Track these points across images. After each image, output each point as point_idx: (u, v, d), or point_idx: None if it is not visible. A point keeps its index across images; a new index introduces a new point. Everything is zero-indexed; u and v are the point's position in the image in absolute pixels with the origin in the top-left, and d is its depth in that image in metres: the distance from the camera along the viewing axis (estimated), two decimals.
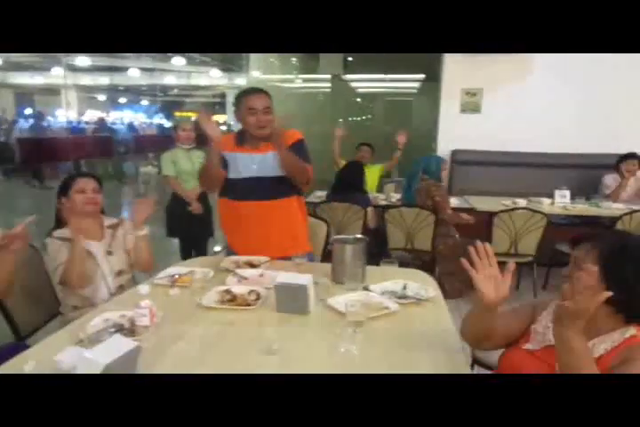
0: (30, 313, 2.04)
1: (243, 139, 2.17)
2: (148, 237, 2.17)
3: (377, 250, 3.58)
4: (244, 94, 2.11)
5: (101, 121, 10.18)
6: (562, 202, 4.09)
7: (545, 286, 3.94)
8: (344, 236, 2.06)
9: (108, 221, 2.19)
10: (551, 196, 4.15)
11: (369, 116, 9.48)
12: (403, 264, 2.11)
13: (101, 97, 19.64)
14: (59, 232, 2.03)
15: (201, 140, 4.35)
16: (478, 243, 1.24)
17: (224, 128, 16.79)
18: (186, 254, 3.84)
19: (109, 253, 2.12)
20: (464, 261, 1.22)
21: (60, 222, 2.08)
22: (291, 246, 2.18)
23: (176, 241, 3.87)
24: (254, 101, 2.07)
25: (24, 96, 17.26)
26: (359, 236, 2.01)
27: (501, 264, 1.23)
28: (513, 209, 3.51)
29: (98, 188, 2.13)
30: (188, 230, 3.71)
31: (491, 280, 1.20)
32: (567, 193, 4.12)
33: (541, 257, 3.60)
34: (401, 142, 4.38)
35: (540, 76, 4.91)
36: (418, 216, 3.46)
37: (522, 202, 4.05)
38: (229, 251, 2.33)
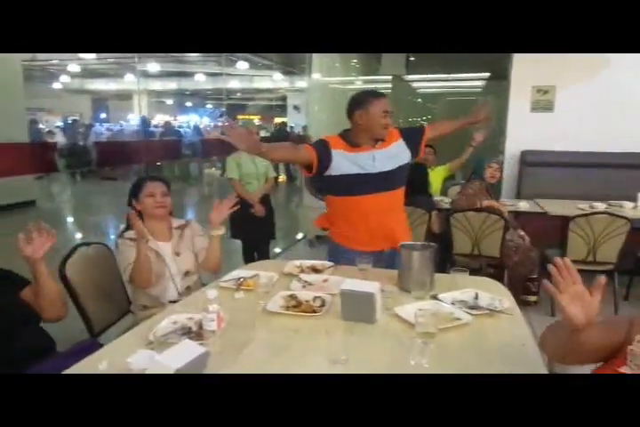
0: (103, 311, 2.11)
1: (354, 141, 2.19)
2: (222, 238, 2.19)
3: (441, 256, 3.47)
4: (374, 96, 2.14)
5: (168, 125, 10.58)
6: None
7: (627, 296, 3.67)
8: (411, 242, 1.99)
9: (176, 222, 2.24)
10: (633, 199, 3.85)
11: (429, 116, 9.29)
12: (472, 271, 2.01)
13: (169, 101, 20.44)
14: (129, 233, 2.09)
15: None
16: (557, 259, 1.12)
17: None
18: (248, 256, 3.90)
19: (177, 253, 2.16)
20: (545, 283, 1.10)
21: (130, 224, 2.13)
22: (404, 235, 2.26)
23: (239, 242, 3.93)
24: (387, 105, 2.14)
25: (99, 101, 18.27)
26: (426, 243, 1.93)
27: (579, 272, 1.11)
28: (592, 213, 3.29)
29: (167, 191, 2.18)
30: (251, 232, 3.75)
31: (577, 300, 1.08)
32: None
33: (623, 265, 3.34)
34: (477, 140, 4.16)
35: (616, 72, 4.59)
36: (486, 220, 3.32)
37: (600, 206, 3.79)
38: (335, 247, 2.29)
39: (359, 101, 2.15)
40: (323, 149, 2.15)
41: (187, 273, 2.17)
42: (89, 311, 2.01)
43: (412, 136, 2.27)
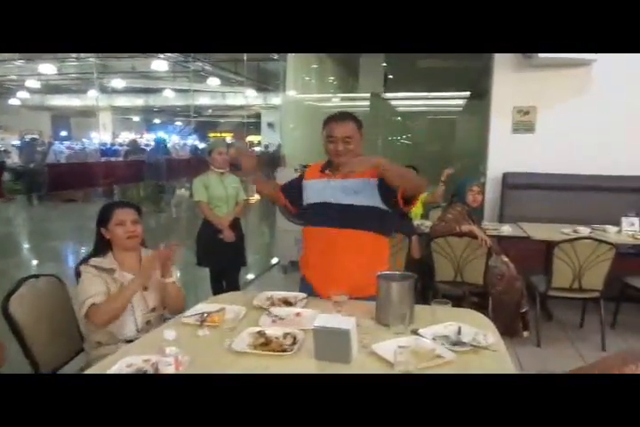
0: (52, 351, 2.01)
1: (326, 167, 2.21)
2: (178, 282, 2.15)
3: (423, 283, 3.45)
4: (327, 120, 2.13)
5: (134, 143, 10.49)
6: (630, 230, 3.85)
7: (614, 324, 3.69)
8: (389, 272, 1.96)
9: (146, 253, 2.19)
10: (617, 223, 3.92)
11: (409, 135, 9.43)
12: (455, 300, 1.98)
13: (136, 118, 20.36)
14: (96, 260, 2.03)
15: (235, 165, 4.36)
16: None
17: (258, 149, 17.03)
18: (216, 284, 3.81)
19: (145, 288, 2.10)
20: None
21: (98, 251, 2.09)
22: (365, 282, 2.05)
23: (206, 270, 3.85)
24: (334, 130, 2.10)
25: (60, 118, 18.06)
26: (406, 272, 1.90)
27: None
28: (577, 238, 3.32)
29: (137, 218, 2.12)
30: (219, 260, 3.67)
31: None
32: (636, 220, 3.89)
33: (609, 291, 3.37)
34: (447, 174, 4.21)
35: (598, 91, 4.73)
36: (469, 246, 3.32)
37: (584, 230, 3.84)
38: (305, 285, 2.24)
39: (323, 124, 2.16)
40: (290, 186, 2.28)
41: (152, 309, 2.11)
42: (36, 352, 1.91)
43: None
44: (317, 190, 2.16)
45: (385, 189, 2.06)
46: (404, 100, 9.38)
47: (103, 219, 2.09)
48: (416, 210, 4.49)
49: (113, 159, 9.75)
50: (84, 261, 2.04)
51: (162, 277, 2.08)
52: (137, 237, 2.10)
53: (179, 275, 2.17)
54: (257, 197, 10.62)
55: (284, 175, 5.19)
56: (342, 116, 2.13)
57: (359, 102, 8.42)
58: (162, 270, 2.08)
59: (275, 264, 5.77)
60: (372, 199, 2.09)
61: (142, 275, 2.00)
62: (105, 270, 2.02)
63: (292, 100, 6.96)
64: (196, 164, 4.40)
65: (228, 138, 19.14)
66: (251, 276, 5.28)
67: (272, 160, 8.21)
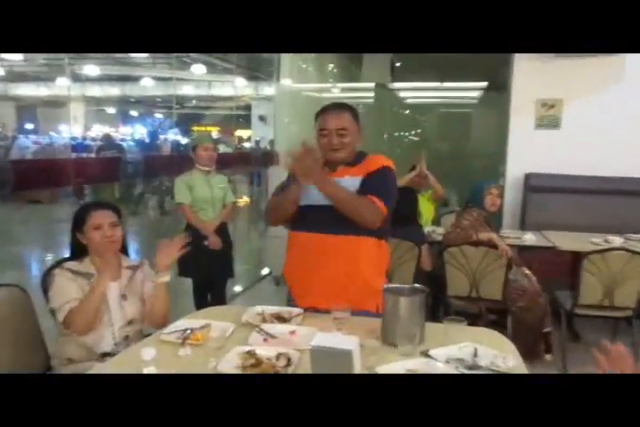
0: (14, 367, 2.00)
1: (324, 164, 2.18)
2: (169, 285, 2.15)
3: (434, 298, 3.44)
4: (319, 112, 2.16)
5: (108, 137, 10.49)
6: None
7: None
8: (397, 285, 1.95)
9: (127, 261, 2.22)
10: None
11: (419, 130, 9.44)
12: (471, 318, 1.98)
13: (110, 110, 20.39)
14: (71, 264, 2.07)
15: (224, 161, 4.35)
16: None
17: (248, 144, 17.03)
18: (199, 298, 3.81)
19: (124, 297, 2.13)
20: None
21: (74, 255, 2.13)
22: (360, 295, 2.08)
23: (188, 282, 3.84)
24: (327, 121, 2.11)
25: (26, 109, 18.06)
26: (417, 285, 1.89)
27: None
28: (607, 250, 3.32)
29: (117, 221, 2.14)
30: (204, 269, 3.67)
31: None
32: None
33: None
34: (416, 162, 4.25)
35: (633, 82, 4.74)
36: (486, 257, 3.32)
37: (616, 240, 3.85)
38: (289, 299, 2.26)
39: (315, 116, 2.18)
40: (288, 182, 2.20)
41: (130, 322, 2.14)
42: None
43: (367, 185, 2.12)
44: (309, 191, 2.11)
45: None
46: (413, 91, 9.38)
47: (78, 222, 2.12)
48: (427, 215, 4.49)
49: (85, 155, 9.74)
50: (58, 264, 2.09)
51: (157, 273, 2.11)
52: (116, 241, 2.12)
53: (169, 279, 2.16)
54: (246, 199, 10.64)
55: (277, 174, 5.20)
56: (336, 107, 2.14)
57: (363, 93, 8.42)
58: (161, 263, 2.10)
59: (266, 275, 5.76)
60: None
61: (106, 267, 2.04)
62: (82, 275, 2.05)
63: (286, 91, 6.96)
64: (179, 161, 4.39)
65: (215, 132, 19.17)
66: (238, 288, 5.27)
67: (264, 158, 8.21)
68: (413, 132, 9.56)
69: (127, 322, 2.12)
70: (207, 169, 3.72)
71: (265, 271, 5.88)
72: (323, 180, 1.99)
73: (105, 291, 2.04)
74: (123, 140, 14.21)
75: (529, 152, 4.95)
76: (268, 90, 13.40)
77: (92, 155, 10.23)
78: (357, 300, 2.05)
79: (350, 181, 2.10)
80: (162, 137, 15.55)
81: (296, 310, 2.11)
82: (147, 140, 14.67)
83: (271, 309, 2.13)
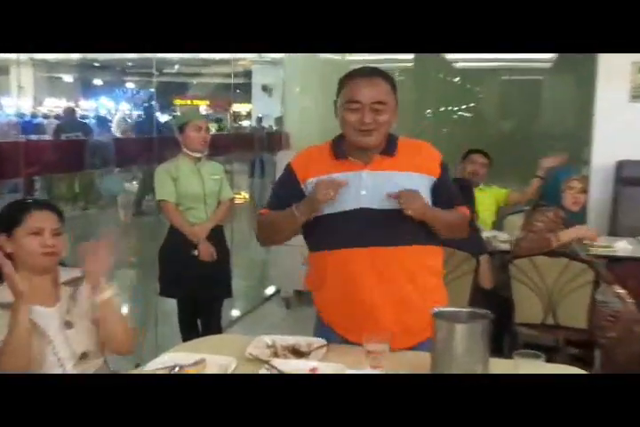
0: None
1: (340, 150, 2.15)
2: (117, 300, 2.12)
3: (497, 326, 3.43)
4: (345, 79, 2.12)
5: (71, 113, 10.51)
6: None
7: None
8: (450, 308, 1.95)
9: (65, 274, 2.17)
10: None
11: (472, 104, 9.39)
12: (546, 352, 1.97)
13: (68, 78, 20.50)
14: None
15: (217, 145, 4.36)
16: None
17: (247, 123, 17.06)
18: (188, 325, 3.84)
19: (68, 324, 2.09)
20: None
21: None
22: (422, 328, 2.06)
23: (172, 303, 3.87)
24: (358, 91, 2.06)
25: None
26: (477, 309, 1.89)
27: None
28: None
29: (60, 227, 2.11)
30: (193, 287, 3.69)
31: None
32: None
33: None
34: (544, 167, 4.26)
35: None
36: (566, 271, 3.31)
37: None
38: (323, 329, 2.25)
39: (338, 85, 2.15)
40: (284, 199, 2.17)
41: (84, 356, 2.09)
42: None
43: (444, 188, 2.20)
44: (347, 190, 2.08)
45: (437, 201, 2.15)
46: (467, 54, 9.33)
47: (8, 223, 2.07)
48: (486, 217, 4.48)
49: (37, 138, 9.74)
50: None
51: (94, 291, 2.05)
52: (56, 254, 2.09)
53: (116, 291, 2.13)
54: (245, 194, 10.67)
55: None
56: (368, 72, 2.11)
57: (399, 56, 8.39)
58: (90, 281, 2.06)
59: (272, 295, 5.80)
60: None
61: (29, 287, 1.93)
62: (8, 307, 1.94)
63: (298, 54, 6.97)
64: (160, 145, 4.39)
65: (204, 107, 19.22)
66: (236, 312, 5.30)
67: (269, 140, 8.23)
68: (465, 107, 9.50)
69: (80, 357, 2.08)
70: (198, 155, 3.74)
71: (271, 290, 5.91)
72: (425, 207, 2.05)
73: (34, 321, 1.96)
74: (84, 117, 14.30)
75: (621, 133, 4.90)
76: None
77: (46, 136, 10.28)
78: (413, 330, 2.08)
79: (399, 177, 2.09)
80: (134, 113, 15.62)
81: (317, 341, 2.11)
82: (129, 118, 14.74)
83: (284, 339, 2.13)
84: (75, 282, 2.17)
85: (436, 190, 2.14)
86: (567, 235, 3.39)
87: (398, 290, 2.11)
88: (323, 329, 2.24)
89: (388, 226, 2.07)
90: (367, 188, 2.09)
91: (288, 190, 2.18)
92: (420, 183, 2.10)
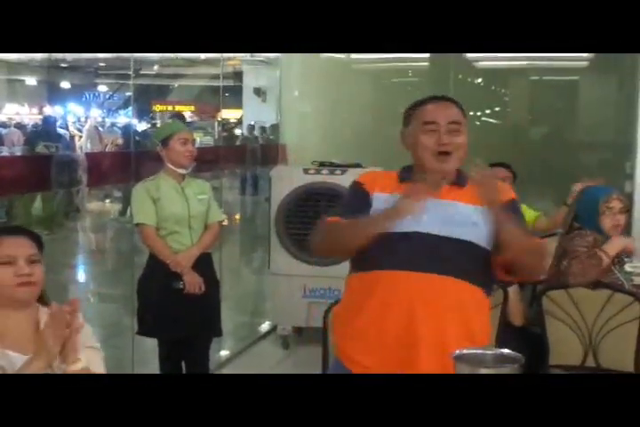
0: None
1: (407, 176, 2.32)
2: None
3: (529, 368, 3.43)
4: (420, 103, 2.33)
5: (51, 123, 10.51)
6: None
7: None
8: (474, 349, 1.96)
9: (47, 313, 2.16)
10: None
11: (498, 109, 9.40)
12: None
13: (31, 80, 20.58)
14: None
15: (203, 159, 4.39)
16: None
17: (239, 132, 17.03)
18: (170, 368, 3.84)
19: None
20: None
21: None
22: None
23: (152, 343, 3.86)
24: (434, 112, 2.25)
25: None
26: (505, 351, 1.90)
27: None
28: None
29: (37, 253, 2.12)
30: (176, 325, 3.69)
31: None
32: None
33: None
34: (574, 192, 4.31)
35: None
36: (608, 305, 3.31)
37: None
38: (337, 367, 2.31)
39: (405, 115, 2.37)
40: (356, 210, 2.29)
41: None
42: None
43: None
44: None
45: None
46: (489, 52, 9.39)
47: None
48: None
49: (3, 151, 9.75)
50: None
51: (63, 363, 2.03)
52: (34, 284, 2.09)
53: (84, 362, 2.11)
54: (236, 216, 10.64)
55: (284, 179, 5.23)
56: (440, 97, 2.31)
57: (414, 55, 8.43)
58: (61, 349, 1.99)
59: (268, 332, 5.78)
60: (481, 235, 2.20)
61: (45, 349, 1.93)
62: None
63: (298, 53, 7.03)
64: (138, 159, 4.39)
65: (187, 113, 19.24)
66: (227, 352, 5.29)
67: (263, 152, 8.24)
68: (489, 112, 9.51)
69: None
70: (182, 171, 3.75)
71: (266, 327, 5.90)
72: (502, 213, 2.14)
73: (5, 369, 1.94)
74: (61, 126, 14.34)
75: None
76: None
77: (3, 149, 10.29)
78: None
79: (464, 207, 2.23)
80: (108, 121, 15.65)
81: None
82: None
83: None
84: None
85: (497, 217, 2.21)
86: (613, 247, 3.38)
87: (444, 325, 2.16)
88: (337, 365, 2.30)
89: (444, 254, 2.17)
90: (430, 213, 2.16)
91: (360, 200, 2.34)
92: (479, 213, 2.19)
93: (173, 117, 12.15)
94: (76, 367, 2.00)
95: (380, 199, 2.26)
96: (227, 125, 14.52)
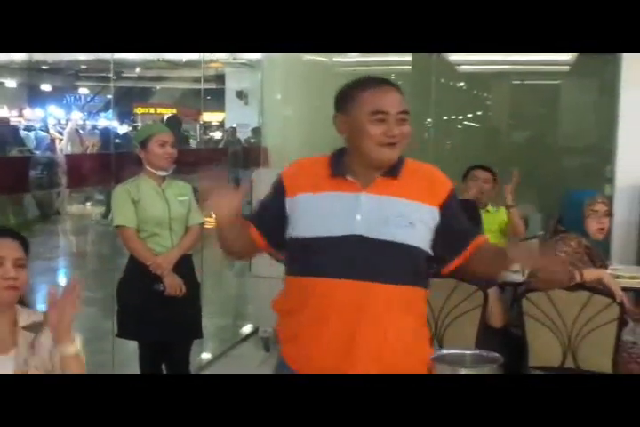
0: None
1: (339, 167, 2.18)
2: (82, 358, 2.10)
3: (509, 370, 3.45)
4: (360, 87, 2.14)
5: (5, 124, 10.40)
6: None
7: None
8: (454, 350, 1.98)
9: (26, 316, 2.16)
10: None
11: (479, 113, 9.42)
12: None
13: (10, 82, 20.47)
14: None
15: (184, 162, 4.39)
16: None
17: (219, 135, 16.98)
18: (150, 371, 3.81)
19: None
20: None
21: None
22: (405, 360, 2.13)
23: (132, 346, 3.85)
24: (383, 100, 2.10)
25: None
26: (484, 352, 1.92)
27: None
28: None
29: (23, 256, 2.12)
30: (156, 327, 3.67)
31: None
32: None
33: None
34: (509, 193, 4.46)
35: None
36: (586, 307, 3.34)
37: None
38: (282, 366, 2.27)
39: (339, 98, 2.20)
40: (266, 213, 2.29)
41: None
42: None
43: (455, 221, 2.22)
44: (329, 213, 2.13)
45: (445, 238, 2.16)
46: (472, 55, 9.40)
47: None
48: (495, 241, 4.51)
49: None
50: None
51: (58, 345, 2.04)
52: (18, 289, 2.09)
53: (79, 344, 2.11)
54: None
55: (266, 182, 5.21)
56: (382, 81, 2.16)
57: (396, 58, 8.44)
58: (57, 330, 2.05)
59: (249, 335, 5.78)
60: (423, 238, 2.13)
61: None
62: None
63: (280, 55, 7.02)
64: (119, 161, 4.38)
65: (169, 114, 19.19)
66: (208, 355, 5.29)
67: (245, 155, 8.25)
68: (472, 116, 9.52)
69: None
70: (163, 174, 3.75)
71: (247, 329, 5.89)
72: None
73: None
74: (30, 128, 14.27)
75: None
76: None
77: None
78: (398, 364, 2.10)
79: (402, 205, 2.12)
80: (88, 124, 15.59)
81: None
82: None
83: None
84: (35, 327, 2.15)
85: (445, 225, 2.16)
86: (592, 275, 3.40)
87: (381, 332, 2.11)
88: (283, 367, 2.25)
89: (380, 259, 2.08)
90: (363, 213, 2.09)
91: (269, 201, 2.27)
92: (429, 217, 2.13)
93: (170, 119, 12.05)
94: (72, 349, 2.04)
95: (305, 201, 2.15)
96: (208, 129, 14.47)
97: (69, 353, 2.05)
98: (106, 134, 12.93)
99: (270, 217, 2.22)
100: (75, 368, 2.07)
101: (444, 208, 2.15)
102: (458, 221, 2.21)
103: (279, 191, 2.21)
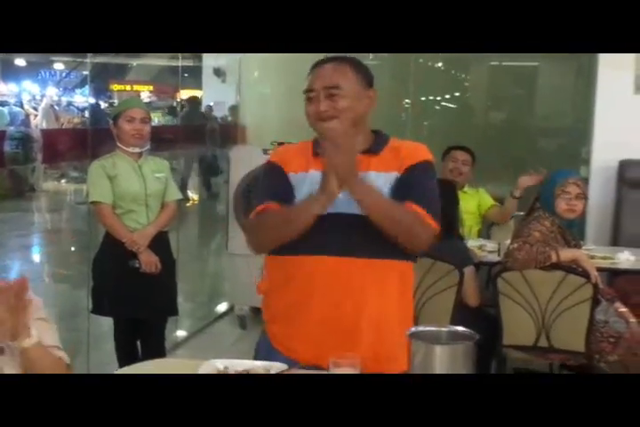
0: None
1: (320, 147, 2.15)
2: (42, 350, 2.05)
3: (483, 348, 3.46)
4: (311, 68, 2.23)
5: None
6: None
7: None
8: (429, 327, 1.97)
9: None
10: None
11: (457, 94, 9.42)
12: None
13: None
14: None
15: (161, 138, 4.35)
16: None
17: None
18: (125, 347, 3.82)
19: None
20: None
21: None
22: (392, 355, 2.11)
23: (108, 322, 3.84)
24: (314, 78, 2.18)
25: None
26: (459, 328, 1.91)
27: None
28: None
29: None
30: (131, 304, 3.67)
31: None
32: None
33: None
34: (521, 187, 4.44)
35: None
36: (561, 286, 3.36)
37: None
38: (266, 349, 2.30)
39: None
40: (280, 190, 2.22)
41: None
42: None
43: (405, 188, 2.16)
44: (308, 192, 2.13)
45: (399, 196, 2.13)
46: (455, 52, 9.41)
47: None
48: (471, 224, 4.52)
49: None
50: None
51: (12, 340, 2.00)
52: None
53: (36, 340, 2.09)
54: (194, 195, 10.60)
55: (243, 159, 5.22)
56: (331, 59, 2.20)
57: None
58: (11, 324, 1.99)
59: (225, 313, 5.79)
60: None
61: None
62: None
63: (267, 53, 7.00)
64: (95, 137, 4.34)
65: (146, 93, 19.06)
66: (182, 333, 5.28)
67: (222, 133, 8.20)
68: (449, 97, 9.53)
69: None
70: (136, 150, 3.72)
71: (223, 307, 5.90)
72: (360, 183, 2.03)
73: None
74: (2, 103, 14.10)
75: (626, 128, 4.98)
76: None
77: None
78: (387, 355, 2.11)
79: (379, 178, 2.13)
80: (64, 100, 15.38)
81: (276, 366, 2.12)
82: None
83: (238, 364, 2.13)
84: None
85: (396, 184, 2.15)
86: (567, 255, 3.40)
87: (368, 308, 2.13)
88: (268, 348, 2.28)
89: (363, 235, 2.08)
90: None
91: (278, 181, 2.23)
92: (386, 181, 2.14)
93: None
94: (29, 343, 1.99)
95: (296, 180, 2.20)
96: (185, 106, 14.37)
97: (27, 346, 2.01)
98: (98, 112, 12.79)
99: (284, 192, 2.20)
100: (39, 359, 2.05)
101: (406, 172, 2.14)
102: (409, 187, 2.14)
103: (278, 171, 2.23)
